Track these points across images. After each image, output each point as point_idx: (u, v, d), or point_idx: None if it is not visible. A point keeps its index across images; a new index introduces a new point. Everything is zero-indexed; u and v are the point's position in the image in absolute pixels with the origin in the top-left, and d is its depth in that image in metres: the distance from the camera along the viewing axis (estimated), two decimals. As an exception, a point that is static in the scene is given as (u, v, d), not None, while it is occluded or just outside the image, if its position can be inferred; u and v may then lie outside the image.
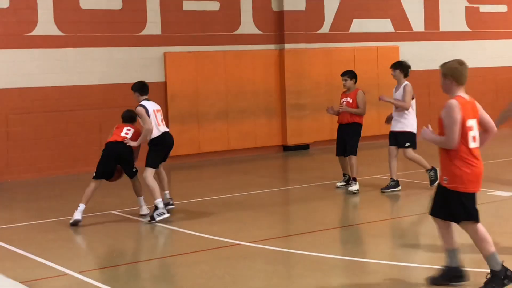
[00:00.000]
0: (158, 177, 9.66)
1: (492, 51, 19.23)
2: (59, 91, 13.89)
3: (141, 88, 9.61)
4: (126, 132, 9.43)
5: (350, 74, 11.12)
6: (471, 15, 19.12)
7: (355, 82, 11.09)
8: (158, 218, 9.11)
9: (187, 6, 15.26)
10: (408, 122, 10.73)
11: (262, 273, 6.88)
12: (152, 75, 14.75)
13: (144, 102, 9.43)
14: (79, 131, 14.05)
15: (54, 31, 13.87)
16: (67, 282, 6.96)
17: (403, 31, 18.02)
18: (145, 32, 14.79)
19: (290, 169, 15.10)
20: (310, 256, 7.40)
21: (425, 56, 18.28)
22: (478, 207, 6.02)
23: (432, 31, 18.52)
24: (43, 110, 13.76)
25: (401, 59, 17.73)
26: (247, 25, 15.95)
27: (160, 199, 9.19)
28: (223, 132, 15.64)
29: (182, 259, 7.59)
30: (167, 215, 9.19)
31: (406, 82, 10.71)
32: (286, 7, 16.20)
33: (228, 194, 11.27)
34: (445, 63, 6.13)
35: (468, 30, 19.10)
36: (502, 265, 5.96)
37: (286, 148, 16.36)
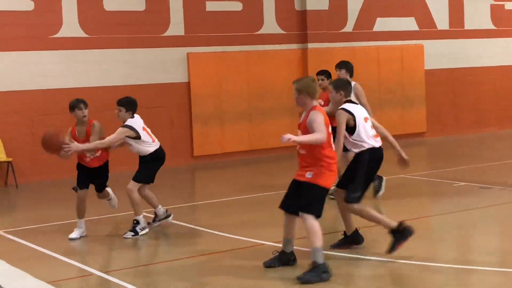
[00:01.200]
0: (145, 198, 8.99)
1: (517, 49, 19.05)
2: (83, 92, 13.92)
3: (130, 104, 8.99)
4: None
5: (327, 74, 10.43)
6: (496, 12, 18.93)
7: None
8: (141, 233, 8.77)
9: (210, 6, 15.29)
10: None
11: (289, 272, 6.85)
12: (175, 75, 14.80)
13: (130, 122, 8.88)
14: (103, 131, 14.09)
15: (79, 32, 13.97)
16: (93, 282, 7.00)
17: (428, 30, 17.88)
18: (168, 33, 14.84)
19: (314, 169, 15.03)
20: (334, 256, 7.36)
21: (449, 55, 18.15)
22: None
23: (457, 29, 18.36)
24: (67, 111, 13.80)
25: (425, 57, 17.77)
26: (270, 25, 15.93)
27: (142, 215, 8.80)
28: (246, 132, 15.63)
29: (206, 259, 7.58)
30: (147, 230, 8.84)
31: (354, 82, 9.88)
32: (309, 6, 16.15)
33: (252, 194, 11.27)
34: (298, 80, 7.11)
35: (493, 27, 18.91)
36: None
37: (310, 148, 16.30)
